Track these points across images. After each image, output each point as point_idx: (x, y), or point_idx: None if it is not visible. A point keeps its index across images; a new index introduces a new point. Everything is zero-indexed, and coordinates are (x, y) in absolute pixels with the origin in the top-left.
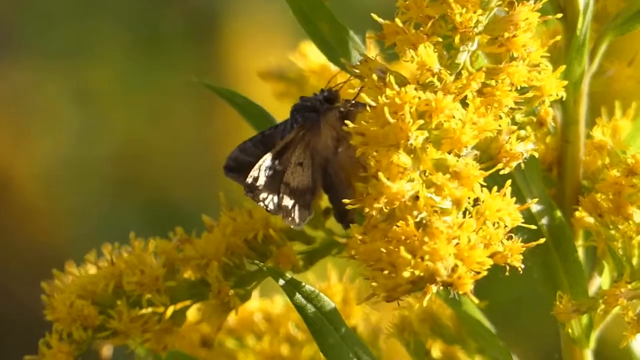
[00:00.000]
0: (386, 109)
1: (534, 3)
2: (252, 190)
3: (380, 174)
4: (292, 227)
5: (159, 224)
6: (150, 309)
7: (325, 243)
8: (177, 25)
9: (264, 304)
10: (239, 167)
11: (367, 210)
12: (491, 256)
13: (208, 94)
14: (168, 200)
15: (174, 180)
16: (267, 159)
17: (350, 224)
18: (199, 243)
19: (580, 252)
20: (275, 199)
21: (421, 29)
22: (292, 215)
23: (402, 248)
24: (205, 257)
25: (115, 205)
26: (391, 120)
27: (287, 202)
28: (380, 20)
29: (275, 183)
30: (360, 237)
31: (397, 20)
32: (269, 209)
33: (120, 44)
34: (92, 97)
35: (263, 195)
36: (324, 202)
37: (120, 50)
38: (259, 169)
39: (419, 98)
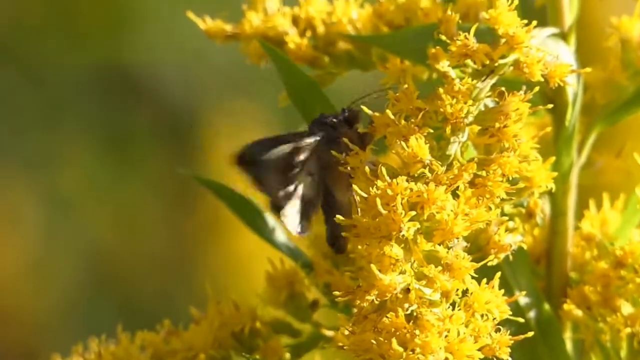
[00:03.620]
0: (378, 201)
1: (524, 94)
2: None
3: (372, 266)
4: (292, 233)
5: (133, 321)
6: None
7: (312, 336)
8: (147, 124)
9: None
10: (252, 160)
11: (358, 302)
12: (480, 349)
13: (178, 193)
14: (140, 298)
15: (147, 277)
16: (285, 148)
17: (341, 250)
18: (186, 335)
19: (569, 345)
20: (282, 192)
21: (412, 120)
22: (294, 221)
23: (393, 340)
24: (192, 350)
25: (88, 306)
26: (383, 211)
27: (293, 205)
28: (370, 112)
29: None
30: (349, 329)
31: (388, 112)
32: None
33: (89, 145)
34: (61, 199)
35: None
36: (311, 293)
37: (89, 152)
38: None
39: (411, 189)
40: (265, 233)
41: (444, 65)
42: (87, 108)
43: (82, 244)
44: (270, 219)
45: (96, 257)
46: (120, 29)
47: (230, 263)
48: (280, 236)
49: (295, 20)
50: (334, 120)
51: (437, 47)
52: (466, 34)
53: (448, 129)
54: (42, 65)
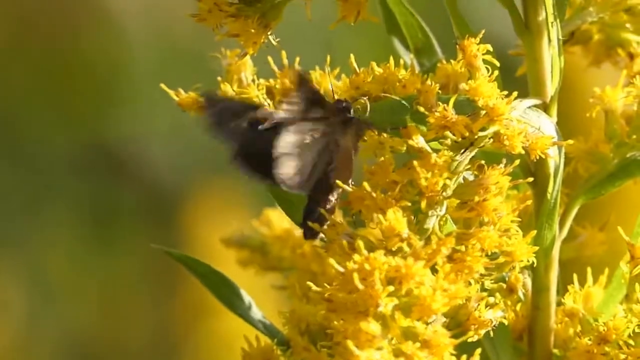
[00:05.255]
0: (355, 275)
1: (504, 167)
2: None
3: (349, 342)
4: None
5: None
6: None
7: None
8: (133, 202)
9: None
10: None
11: None
12: None
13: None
14: None
15: None
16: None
17: (310, 232)
18: None
19: None
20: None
21: (389, 193)
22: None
23: None
24: None
25: None
26: (360, 286)
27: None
28: (345, 187)
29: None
30: None
31: (365, 185)
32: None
33: (73, 226)
34: (43, 282)
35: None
36: None
37: (73, 233)
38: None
39: (389, 264)
40: (240, 310)
41: (418, 140)
42: (70, 187)
43: (65, 328)
44: (246, 296)
45: (80, 341)
46: (104, 106)
47: (217, 344)
48: (256, 313)
49: (270, 92)
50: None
51: (410, 124)
52: (445, 105)
53: (423, 203)
54: (25, 145)
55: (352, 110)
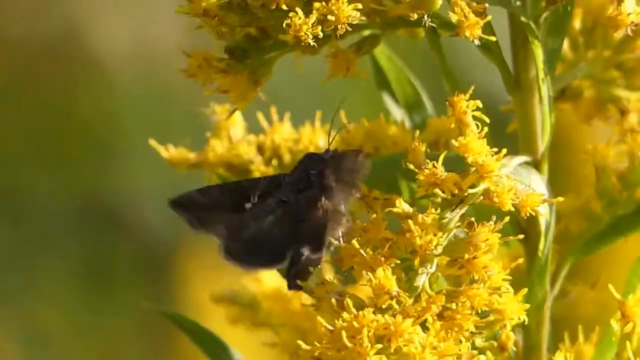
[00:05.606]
0: (344, 333)
1: (494, 224)
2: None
3: None
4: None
5: None
6: None
7: None
8: (128, 256)
9: None
10: (190, 205)
11: None
12: None
13: (161, 331)
14: None
15: None
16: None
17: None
18: None
19: None
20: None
21: (379, 251)
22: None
23: None
24: None
25: None
26: (349, 344)
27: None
28: (337, 243)
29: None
30: None
31: (355, 243)
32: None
33: (66, 282)
34: (38, 336)
35: None
36: None
37: (67, 286)
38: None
39: (378, 322)
40: None
41: (402, 207)
42: (64, 242)
43: None
44: (236, 353)
45: None
46: (99, 160)
47: None
48: None
49: (260, 148)
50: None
51: (393, 196)
52: (434, 162)
53: (417, 261)
54: (19, 199)
55: (323, 174)
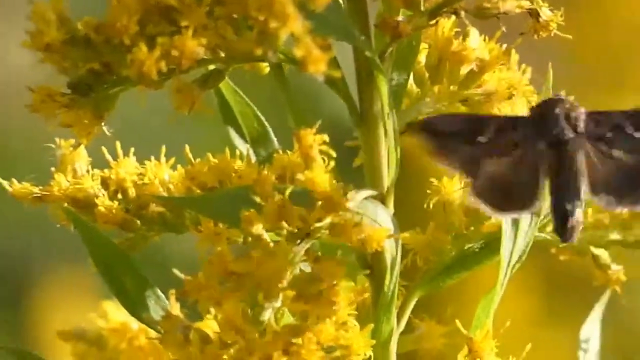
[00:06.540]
0: None
1: (340, 261)
2: None
3: None
4: None
5: None
6: None
7: None
8: None
9: None
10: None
11: None
12: None
13: None
14: None
15: None
16: None
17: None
18: None
19: None
20: None
21: (226, 285)
22: None
23: None
24: None
25: None
26: None
27: None
28: (181, 275)
29: None
30: None
31: (201, 275)
32: None
33: None
34: None
35: None
36: None
37: None
38: None
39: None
40: None
41: (258, 227)
42: None
43: None
44: None
45: None
46: None
47: None
48: None
49: (105, 182)
50: None
51: (252, 210)
52: (281, 195)
53: (260, 296)
54: None
55: None
